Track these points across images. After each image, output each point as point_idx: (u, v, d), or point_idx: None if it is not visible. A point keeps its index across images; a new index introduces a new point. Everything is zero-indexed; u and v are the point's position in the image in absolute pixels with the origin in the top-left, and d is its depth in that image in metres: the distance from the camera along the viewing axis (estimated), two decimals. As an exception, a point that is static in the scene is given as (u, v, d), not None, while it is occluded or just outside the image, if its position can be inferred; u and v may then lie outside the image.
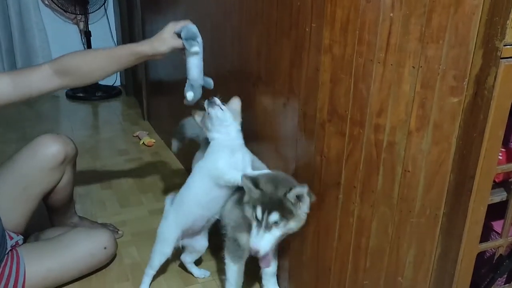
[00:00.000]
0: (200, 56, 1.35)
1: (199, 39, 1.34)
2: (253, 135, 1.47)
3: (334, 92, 1.12)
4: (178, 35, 1.33)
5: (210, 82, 1.42)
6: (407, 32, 0.98)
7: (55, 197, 1.59)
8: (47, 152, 1.49)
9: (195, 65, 1.35)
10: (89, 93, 3.44)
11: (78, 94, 3.44)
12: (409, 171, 1.07)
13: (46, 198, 1.58)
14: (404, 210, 1.11)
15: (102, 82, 3.54)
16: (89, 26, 3.41)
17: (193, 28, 1.34)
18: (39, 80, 1.29)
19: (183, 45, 1.32)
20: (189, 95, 1.35)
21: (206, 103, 1.32)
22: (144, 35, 2.79)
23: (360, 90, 1.07)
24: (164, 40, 1.33)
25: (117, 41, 3.57)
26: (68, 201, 1.66)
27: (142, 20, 2.78)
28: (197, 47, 1.31)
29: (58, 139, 1.52)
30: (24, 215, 1.49)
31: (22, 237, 1.47)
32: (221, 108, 1.32)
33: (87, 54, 1.42)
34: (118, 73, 3.66)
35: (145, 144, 2.63)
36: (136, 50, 1.35)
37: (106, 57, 1.36)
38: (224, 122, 1.32)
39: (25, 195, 1.47)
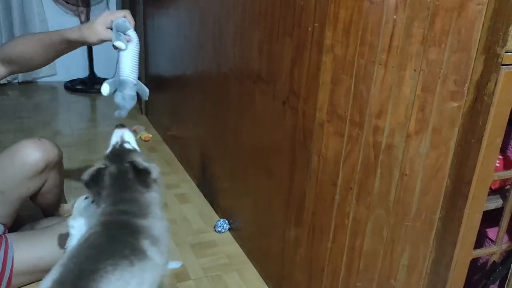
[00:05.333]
0: (133, 52, 1.26)
1: (131, 32, 1.25)
2: (251, 133, 1.47)
3: (334, 92, 1.12)
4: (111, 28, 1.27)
5: (145, 90, 1.33)
6: (410, 34, 0.98)
7: (41, 199, 1.58)
8: (26, 161, 1.42)
9: (124, 61, 1.25)
10: (87, 86, 3.43)
11: (77, 86, 3.43)
12: (406, 174, 1.07)
13: (32, 199, 1.56)
14: (400, 213, 1.11)
15: (101, 75, 3.53)
16: (90, 18, 3.40)
17: (124, 21, 1.25)
18: None
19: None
20: (104, 88, 1.21)
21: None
22: (146, 30, 2.78)
23: (361, 91, 1.07)
24: (94, 30, 1.27)
25: (118, 35, 3.56)
26: (56, 201, 1.65)
27: (144, 15, 2.78)
28: (122, 43, 1.21)
29: (39, 147, 1.44)
30: (6, 214, 1.47)
31: (2, 225, 1.46)
32: None
33: (24, 42, 1.37)
34: (118, 67, 3.65)
35: (142, 139, 2.63)
36: (66, 37, 1.30)
37: (40, 44, 1.32)
38: None
39: (2, 198, 1.44)
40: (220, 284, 1.52)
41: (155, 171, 1.09)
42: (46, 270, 1.45)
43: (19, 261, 1.38)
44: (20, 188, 1.45)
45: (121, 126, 1.23)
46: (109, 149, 1.18)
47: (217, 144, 1.87)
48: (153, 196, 1.10)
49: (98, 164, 1.10)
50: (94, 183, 1.09)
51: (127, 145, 1.17)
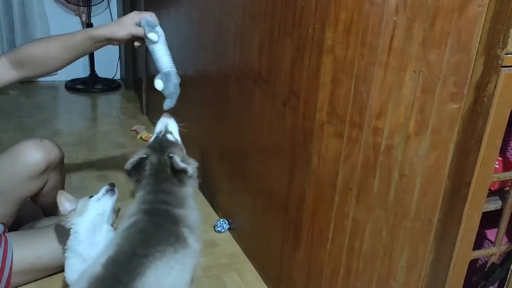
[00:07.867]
0: (165, 45, 1.33)
1: (159, 28, 1.32)
2: (251, 133, 1.47)
3: (335, 93, 1.12)
4: (139, 25, 1.32)
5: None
6: (410, 36, 0.98)
7: (42, 200, 1.57)
8: (27, 161, 1.40)
9: (161, 55, 1.31)
10: (88, 86, 3.43)
11: (77, 86, 3.43)
12: (405, 175, 1.08)
13: (32, 199, 1.55)
14: (399, 214, 1.11)
15: (101, 75, 3.53)
16: (91, 18, 3.40)
17: (152, 19, 1.33)
18: None
19: (144, 33, 1.29)
20: (158, 83, 1.28)
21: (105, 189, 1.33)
22: (146, 30, 2.78)
23: (361, 92, 1.07)
24: (124, 25, 1.32)
25: (118, 35, 3.56)
26: (56, 201, 1.64)
27: (145, 14, 2.78)
28: (155, 34, 1.29)
29: (41, 148, 1.42)
30: (6, 213, 1.46)
31: (2, 225, 1.46)
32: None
33: (43, 43, 1.37)
34: (118, 67, 3.65)
35: (142, 139, 2.63)
36: (92, 34, 1.32)
37: (61, 44, 1.34)
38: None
39: (2, 198, 1.43)
40: (219, 284, 1.53)
41: (192, 168, 1.14)
42: (45, 269, 1.46)
43: (18, 260, 1.38)
44: (21, 189, 1.44)
45: (167, 115, 1.27)
46: (152, 138, 1.23)
47: (217, 144, 1.87)
48: (188, 190, 1.16)
49: (141, 153, 1.15)
50: (136, 171, 1.15)
51: (169, 136, 1.22)
